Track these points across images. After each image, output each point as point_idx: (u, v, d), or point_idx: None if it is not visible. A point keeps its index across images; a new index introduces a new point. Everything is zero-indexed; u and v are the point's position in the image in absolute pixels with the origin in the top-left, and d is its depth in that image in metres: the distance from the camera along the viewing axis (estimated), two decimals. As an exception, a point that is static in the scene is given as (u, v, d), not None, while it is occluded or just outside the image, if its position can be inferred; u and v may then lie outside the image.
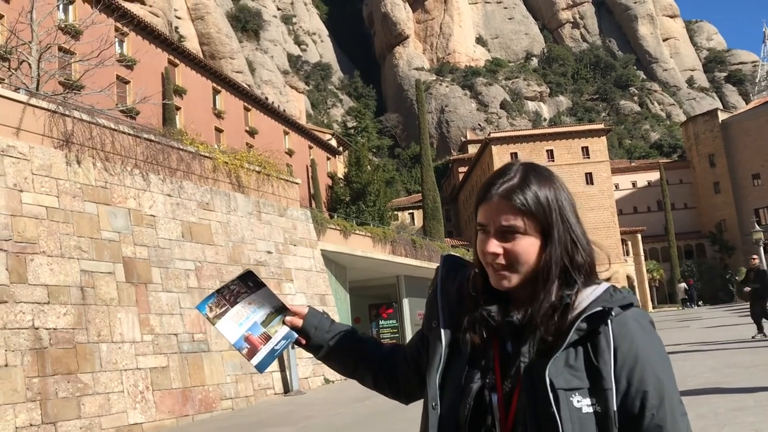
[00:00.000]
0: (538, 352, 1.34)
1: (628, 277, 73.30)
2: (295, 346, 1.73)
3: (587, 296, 1.37)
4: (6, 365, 9.91)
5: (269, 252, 17.62)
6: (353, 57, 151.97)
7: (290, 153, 51.89)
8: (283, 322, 1.67)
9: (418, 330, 1.63)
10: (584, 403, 1.30)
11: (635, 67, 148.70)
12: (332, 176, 58.94)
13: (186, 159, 15.75)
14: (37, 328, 10.59)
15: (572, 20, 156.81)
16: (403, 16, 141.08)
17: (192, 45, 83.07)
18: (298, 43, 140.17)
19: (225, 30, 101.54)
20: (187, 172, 15.67)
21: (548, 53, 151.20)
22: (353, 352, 1.70)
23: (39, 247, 11.15)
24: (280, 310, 1.68)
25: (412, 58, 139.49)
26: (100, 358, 11.53)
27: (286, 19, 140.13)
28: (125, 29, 35.49)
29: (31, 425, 9.93)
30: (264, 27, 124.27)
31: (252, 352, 1.63)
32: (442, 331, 1.46)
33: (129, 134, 14.27)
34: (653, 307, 74.13)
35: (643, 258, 76.96)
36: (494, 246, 1.37)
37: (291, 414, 12.50)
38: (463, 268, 1.53)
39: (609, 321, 1.32)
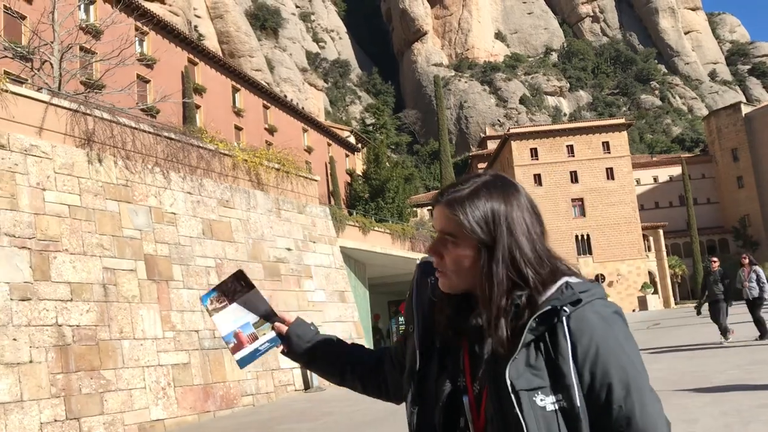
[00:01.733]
0: (498, 354, 1.34)
1: (650, 273, 72.63)
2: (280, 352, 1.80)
3: (542, 299, 1.36)
4: (31, 361, 10.05)
5: (289, 249, 17.69)
6: (371, 53, 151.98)
7: (309, 150, 52.01)
8: (272, 328, 1.76)
9: (402, 332, 1.64)
10: (548, 401, 1.30)
11: (656, 60, 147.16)
12: (351, 173, 58.99)
13: (206, 157, 15.84)
14: (60, 325, 10.72)
15: (592, 14, 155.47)
16: (422, 12, 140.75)
17: (211, 44, 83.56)
18: (317, 40, 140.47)
19: (244, 28, 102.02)
20: (207, 170, 15.76)
21: (568, 48, 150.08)
22: (337, 361, 1.75)
23: (62, 245, 11.28)
24: (270, 315, 1.76)
25: (430, 54, 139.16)
26: (123, 355, 11.65)
27: (305, 17, 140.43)
28: (145, 28, 35.75)
29: (55, 420, 10.06)
30: (282, 25, 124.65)
31: (237, 348, 1.72)
32: (416, 335, 1.48)
33: (149, 133, 14.38)
34: (675, 303, 73.42)
35: (665, 254, 76.21)
36: (430, 247, 1.43)
37: (310, 410, 12.54)
38: (430, 279, 1.54)
39: (564, 318, 1.32)
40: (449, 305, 1.45)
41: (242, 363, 1.73)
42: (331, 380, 1.79)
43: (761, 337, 14.82)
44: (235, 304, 1.75)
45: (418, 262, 1.62)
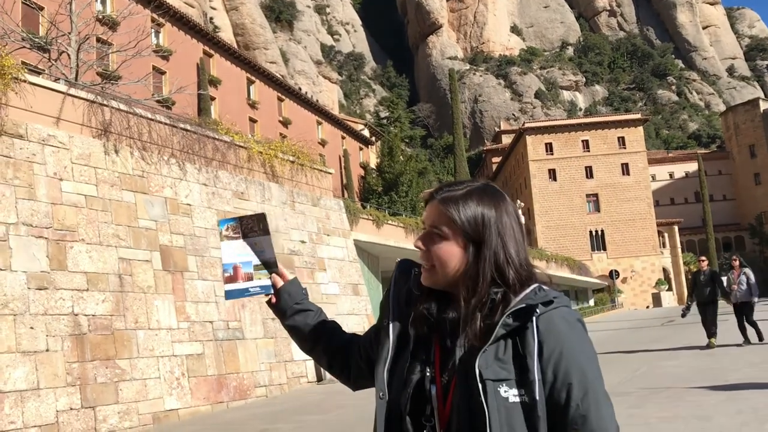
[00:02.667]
0: (470, 347, 1.45)
1: (664, 270, 72.19)
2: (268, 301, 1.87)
3: (515, 299, 1.47)
4: (47, 350, 10.15)
5: (303, 241, 17.72)
6: (386, 46, 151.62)
7: (323, 143, 52.04)
8: (269, 277, 1.82)
9: (373, 325, 1.74)
10: (511, 393, 1.41)
11: (673, 55, 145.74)
12: (365, 166, 58.98)
13: (221, 149, 15.88)
14: (76, 315, 10.81)
15: (609, 8, 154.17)
16: (437, 4, 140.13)
17: (226, 36, 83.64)
18: (331, 33, 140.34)
19: (259, 20, 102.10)
20: (223, 162, 15.81)
21: (584, 42, 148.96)
22: (315, 331, 1.83)
23: (78, 235, 11.36)
24: (272, 264, 1.82)
25: (445, 47, 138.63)
26: (137, 345, 11.73)
27: (320, 9, 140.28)
28: (161, 20, 35.85)
29: (71, 409, 10.16)
30: (297, 17, 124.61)
31: (230, 280, 1.80)
32: (391, 327, 1.58)
33: (165, 124, 14.44)
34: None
35: (679, 250, 75.72)
36: (419, 241, 1.53)
37: (324, 402, 12.58)
38: (414, 270, 1.64)
39: (534, 317, 1.43)
40: (429, 299, 1.54)
41: (229, 296, 1.80)
42: (302, 346, 1.88)
43: (761, 339, 14.57)
44: (246, 240, 1.81)
45: (397, 260, 1.74)
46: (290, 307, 1.83)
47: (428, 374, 1.49)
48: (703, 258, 15.60)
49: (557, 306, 1.46)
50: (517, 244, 1.51)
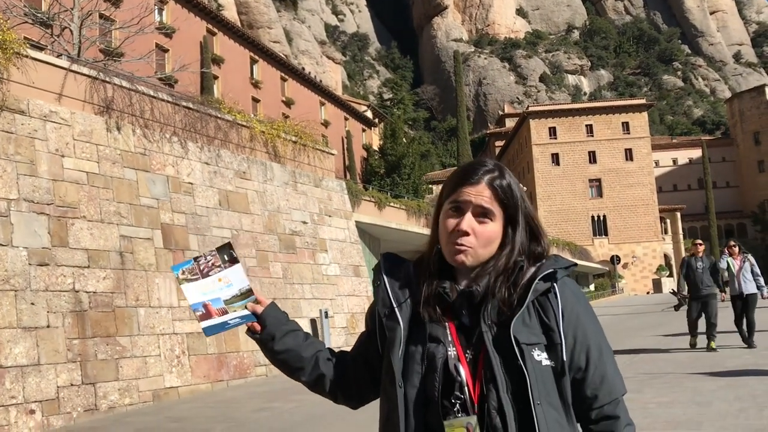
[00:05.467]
0: (499, 314, 1.48)
1: (666, 256, 72.24)
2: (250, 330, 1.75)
3: (533, 267, 1.55)
4: (48, 326, 10.17)
5: (304, 222, 17.71)
6: (391, 27, 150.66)
7: (326, 124, 51.88)
8: (245, 307, 1.71)
9: (362, 332, 1.72)
10: (543, 357, 1.47)
11: (680, 41, 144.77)
12: (367, 148, 58.82)
13: (223, 128, 15.82)
14: (77, 291, 10.82)
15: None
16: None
17: (230, 14, 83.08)
18: (336, 12, 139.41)
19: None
20: (225, 141, 15.75)
21: (590, 26, 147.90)
22: (307, 352, 1.71)
23: (80, 212, 11.35)
24: (247, 293, 1.72)
25: (450, 29, 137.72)
26: (138, 322, 11.76)
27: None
28: (165, -3, 35.60)
29: (71, 385, 10.20)
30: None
31: (205, 317, 1.71)
32: (399, 314, 1.56)
33: (168, 102, 14.37)
34: (690, 287, 72.97)
35: (681, 237, 75.72)
36: (468, 224, 1.51)
37: (323, 382, 12.62)
38: (402, 262, 1.66)
39: (556, 282, 1.51)
40: (441, 280, 1.55)
41: (208, 331, 1.71)
42: (286, 370, 1.74)
43: (748, 343, 12.00)
44: (207, 279, 1.71)
45: (382, 252, 1.74)
46: (279, 330, 1.70)
47: (451, 353, 1.49)
48: (700, 241, 13.02)
49: (568, 273, 1.56)
50: (539, 221, 1.62)
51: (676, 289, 13.28)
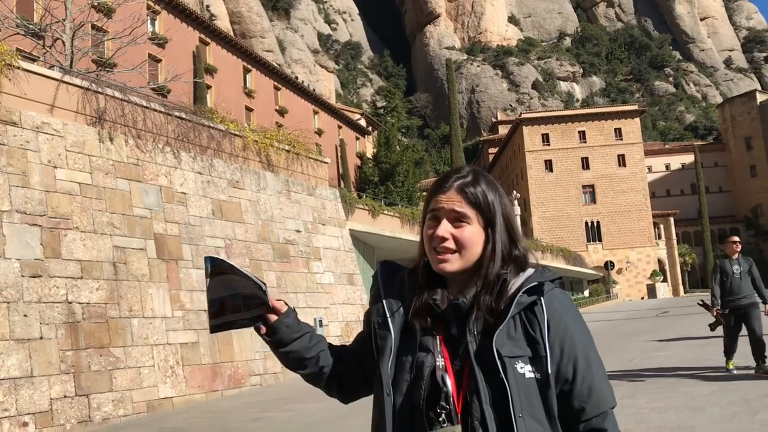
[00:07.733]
0: (484, 327, 1.49)
1: (660, 261, 72.37)
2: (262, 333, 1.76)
3: (520, 279, 1.54)
4: (41, 338, 10.14)
5: (298, 231, 17.71)
6: (383, 36, 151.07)
7: (319, 132, 51.90)
8: (259, 315, 1.71)
9: (359, 332, 1.75)
10: (526, 369, 1.47)
11: (671, 47, 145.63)
12: (361, 156, 58.86)
13: (216, 137, 15.83)
14: (70, 303, 10.79)
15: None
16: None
17: (223, 24, 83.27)
18: (329, 21, 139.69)
19: (256, 9, 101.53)
20: (218, 150, 15.76)
21: (582, 33, 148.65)
22: (311, 352, 1.76)
23: (72, 223, 11.33)
24: (265, 295, 1.71)
25: (443, 37, 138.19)
26: (132, 333, 11.73)
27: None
28: (157, 7, 35.64)
29: (65, 396, 10.16)
30: (294, 6, 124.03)
31: (216, 315, 1.71)
32: (391, 324, 1.59)
33: (160, 112, 14.38)
34: (685, 292, 73.16)
35: (675, 242, 75.88)
36: (444, 229, 1.53)
37: (317, 391, 12.55)
38: (399, 270, 1.69)
39: (542, 295, 1.51)
40: (432, 290, 1.56)
41: (213, 329, 1.72)
42: (291, 365, 1.79)
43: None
44: (235, 275, 1.70)
45: (379, 261, 1.76)
46: (289, 338, 1.73)
47: (439, 363, 1.51)
48: (736, 238, 9.93)
49: (556, 285, 1.56)
50: (517, 225, 1.62)
51: (708, 302, 10.03)
